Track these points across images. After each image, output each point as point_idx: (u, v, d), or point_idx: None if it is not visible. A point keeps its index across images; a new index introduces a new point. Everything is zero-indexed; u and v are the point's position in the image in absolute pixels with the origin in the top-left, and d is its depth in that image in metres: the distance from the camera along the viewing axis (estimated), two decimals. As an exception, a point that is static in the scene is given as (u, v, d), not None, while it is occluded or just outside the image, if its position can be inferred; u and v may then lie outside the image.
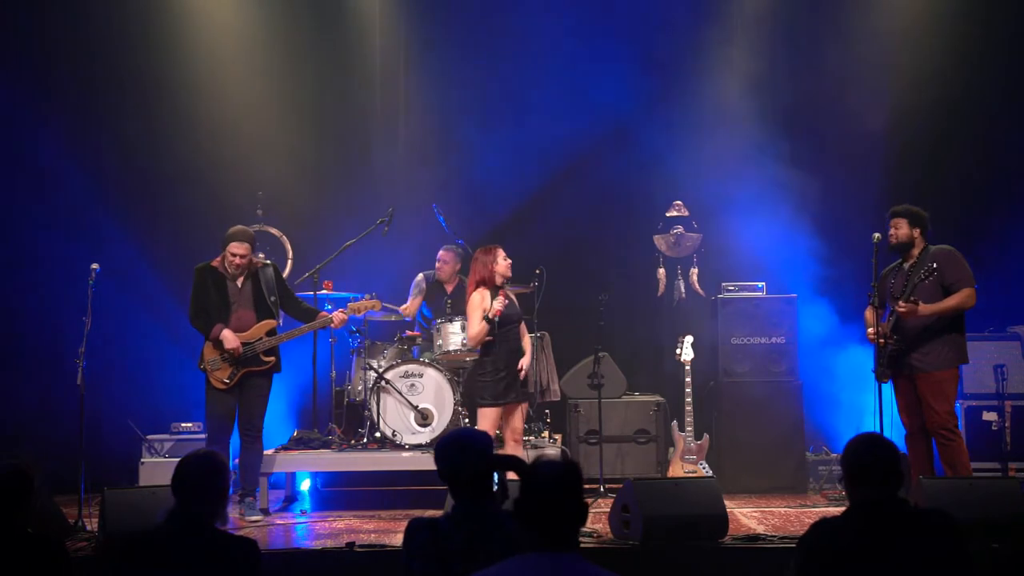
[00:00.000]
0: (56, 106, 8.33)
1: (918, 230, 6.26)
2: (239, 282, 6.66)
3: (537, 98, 8.49)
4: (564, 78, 8.59)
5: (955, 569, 3.15)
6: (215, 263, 6.66)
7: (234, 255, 6.56)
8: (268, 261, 6.96)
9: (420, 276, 8.21)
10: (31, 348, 8.08)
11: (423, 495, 7.27)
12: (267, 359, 6.63)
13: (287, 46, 8.69)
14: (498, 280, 6.46)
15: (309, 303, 7.09)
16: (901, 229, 6.27)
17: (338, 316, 6.86)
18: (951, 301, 6.07)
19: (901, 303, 6.04)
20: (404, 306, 8.04)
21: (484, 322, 6.34)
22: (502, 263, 6.47)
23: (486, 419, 6.39)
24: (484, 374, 6.41)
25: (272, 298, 6.71)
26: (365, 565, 5.20)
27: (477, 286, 6.49)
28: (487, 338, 6.38)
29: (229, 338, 6.51)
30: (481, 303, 6.43)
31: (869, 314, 6.31)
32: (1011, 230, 8.36)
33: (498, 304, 6.30)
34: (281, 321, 6.83)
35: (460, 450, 3.43)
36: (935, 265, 6.05)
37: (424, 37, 8.87)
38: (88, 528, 5.89)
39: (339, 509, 6.98)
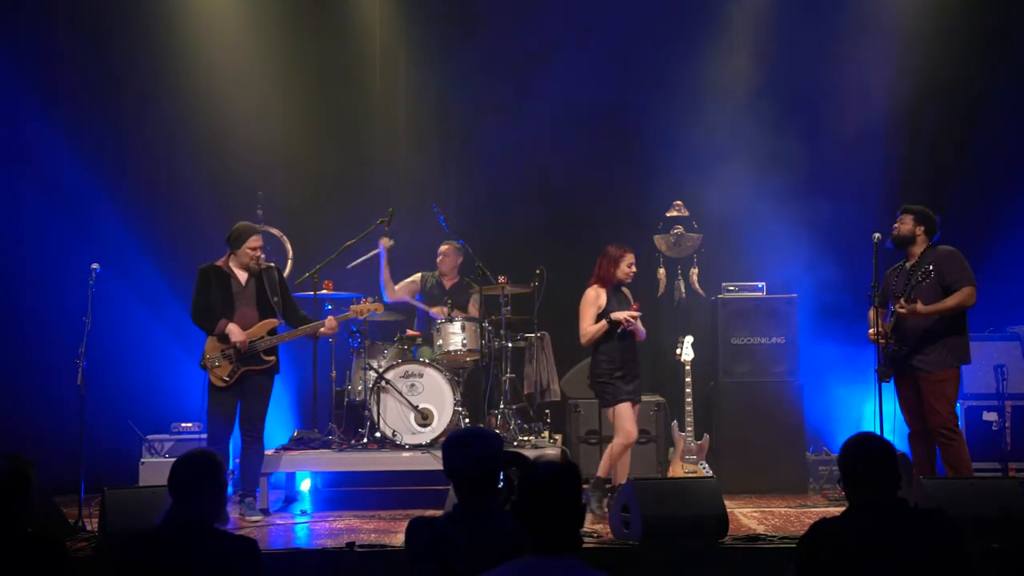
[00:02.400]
0: (57, 106, 8.33)
1: (922, 228, 6.27)
2: (243, 281, 6.67)
3: (537, 98, 8.49)
4: (564, 78, 8.59)
5: (955, 569, 3.15)
6: (219, 263, 6.67)
7: (254, 248, 6.64)
8: (271, 264, 6.96)
9: (418, 275, 8.19)
10: (31, 348, 8.08)
11: (423, 495, 7.27)
12: (267, 358, 6.63)
13: (288, 46, 8.70)
14: (616, 282, 6.47)
15: (306, 310, 7.07)
16: (905, 224, 6.31)
17: (329, 322, 6.85)
18: (951, 301, 6.08)
19: (901, 303, 6.05)
20: (389, 283, 7.98)
21: (604, 323, 6.37)
22: (625, 268, 6.49)
23: (623, 416, 6.35)
24: (601, 374, 6.40)
25: (275, 298, 6.72)
26: (365, 565, 5.19)
27: (595, 282, 6.50)
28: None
29: (235, 331, 6.51)
30: (595, 300, 6.43)
31: (873, 315, 6.31)
32: (1012, 230, 8.36)
33: (627, 314, 6.33)
34: (281, 321, 6.82)
35: (465, 448, 3.43)
36: (931, 267, 6.08)
37: (425, 37, 8.87)
38: (88, 528, 5.88)
39: (339, 509, 6.98)
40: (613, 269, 6.51)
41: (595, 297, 6.48)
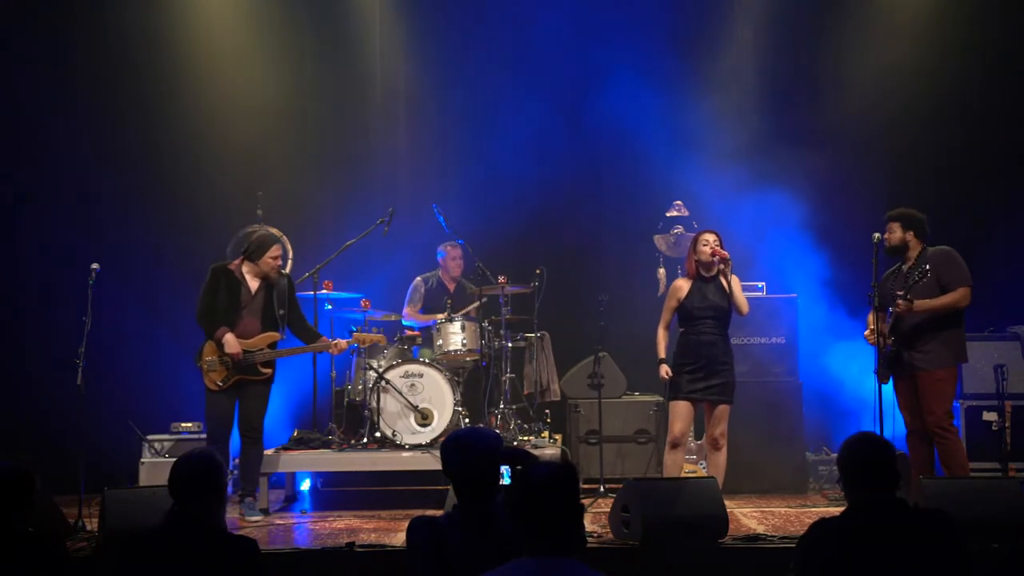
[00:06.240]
0: (58, 106, 8.33)
1: (911, 232, 6.30)
2: (253, 289, 6.64)
3: (538, 98, 8.49)
4: (564, 79, 8.60)
5: (954, 569, 3.15)
6: (231, 266, 6.65)
7: (275, 258, 6.63)
8: (285, 273, 6.94)
9: (418, 280, 8.17)
10: (31, 348, 8.08)
11: (423, 495, 7.28)
12: (264, 371, 6.58)
13: (288, 45, 8.70)
14: (698, 268, 6.30)
15: (306, 311, 7.06)
16: (894, 233, 6.35)
17: (341, 344, 6.87)
18: (947, 299, 6.12)
19: (898, 301, 6.07)
20: (416, 315, 8.03)
21: (663, 337, 6.32)
22: (701, 248, 6.31)
23: (672, 416, 6.33)
24: (674, 365, 6.32)
25: (281, 311, 6.68)
26: (365, 565, 5.19)
27: (686, 271, 6.45)
28: (680, 329, 6.32)
29: (231, 342, 6.49)
30: (674, 293, 6.37)
31: (871, 318, 6.33)
32: (1011, 230, 8.37)
33: (664, 373, 6.29)
34: (284, 336, 6.79)
35: (463, 449, 3.43)
36: (927, 267, 6.11)
37: (424, 37, 8.87)
38: (88, 528, 5.88)
39: (339, 509, 6.97)
40: (692, 253, 6.33)
41: (675, 289, 6.38)
